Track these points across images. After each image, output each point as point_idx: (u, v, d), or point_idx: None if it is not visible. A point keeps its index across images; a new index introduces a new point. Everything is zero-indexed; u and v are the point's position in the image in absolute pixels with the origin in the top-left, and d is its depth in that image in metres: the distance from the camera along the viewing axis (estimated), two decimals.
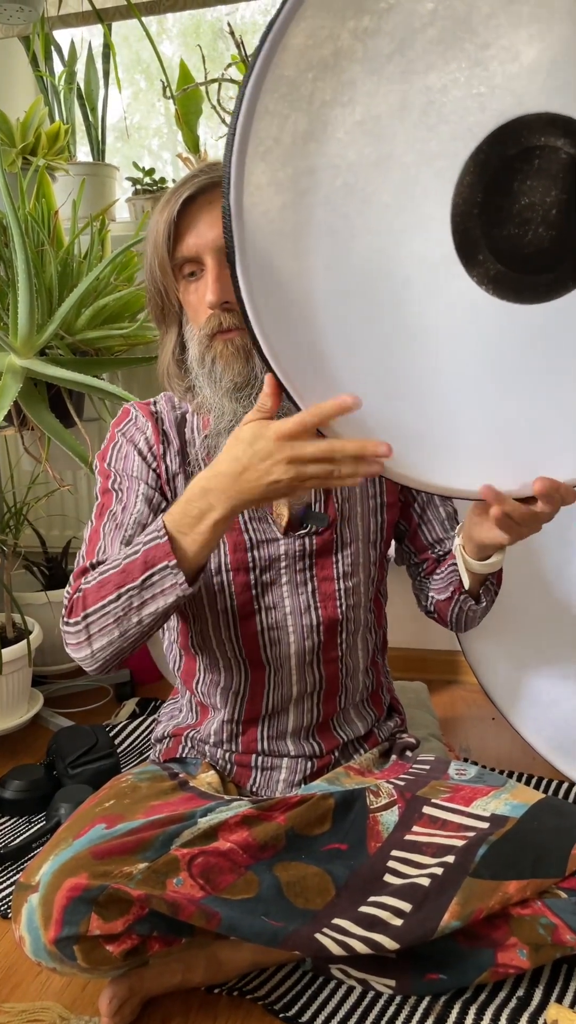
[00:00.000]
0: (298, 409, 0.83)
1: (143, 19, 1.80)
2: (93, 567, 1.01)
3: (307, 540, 1.10)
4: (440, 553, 1.19)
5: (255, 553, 1.09)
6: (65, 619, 1.00)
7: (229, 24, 1.93)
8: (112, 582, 0.95)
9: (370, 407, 0.83)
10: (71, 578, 1.02)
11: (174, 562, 0.91)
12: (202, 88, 1.97)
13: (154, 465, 1.09)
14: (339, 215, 0.81)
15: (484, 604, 1.14)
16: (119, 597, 0.94)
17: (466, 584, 1.10)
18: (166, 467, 1.10)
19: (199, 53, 2.00)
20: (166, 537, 0.92)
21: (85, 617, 0.97)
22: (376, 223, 0.81)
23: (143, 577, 0.93)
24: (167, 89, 1.87)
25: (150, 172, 2.02)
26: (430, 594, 1.19)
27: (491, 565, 1.05)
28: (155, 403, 1.14)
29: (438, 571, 1.18)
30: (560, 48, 0.77)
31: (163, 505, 1.08)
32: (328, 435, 0.84)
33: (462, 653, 1.54)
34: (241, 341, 1.00)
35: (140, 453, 1.10)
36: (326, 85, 0.76)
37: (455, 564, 1.11)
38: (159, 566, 0.92)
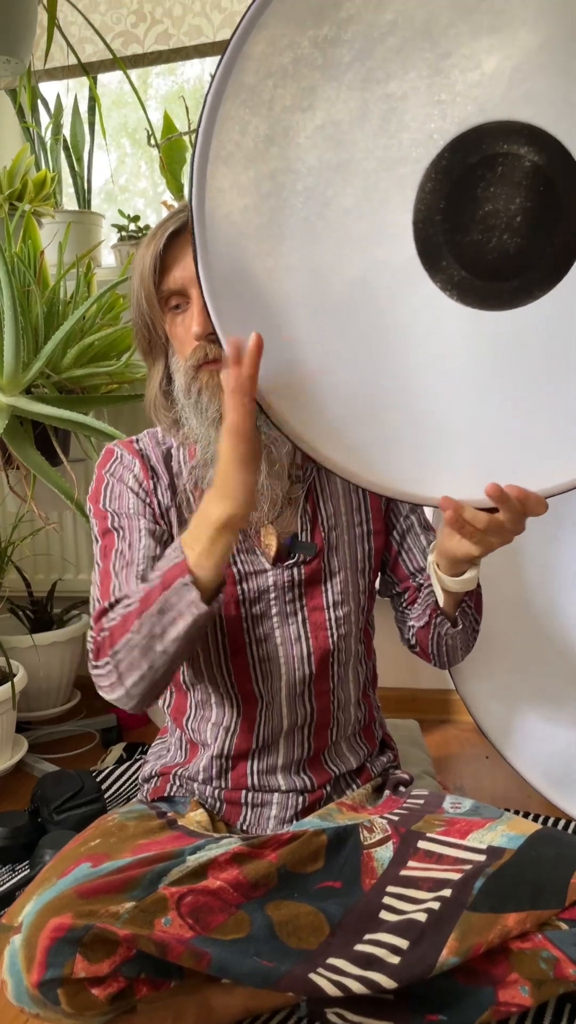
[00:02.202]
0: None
1: (127, 71, 1.85)
2: (112, 606, 0.99)
3: (295, 570, 1.09)
4: (421, 582, 1.18)
5: (244, 585, 1.08)
6: (94, 663, 0.99)
7: (211, 75, 1.98)
8: (134, 613, 0.94)
9: (338, 413, 0.84)
10: (91, 623, 1.01)
11: (189, 578, 0.90)
12: (186, 138, 2.02)
13: (147, 501, 1.09)
14: (300, 218, 0.82)
15: (461, 628, 1.11)
16: (141, 627, 0.93)
17: (440, 601, 1.08)
18: (158, 502, 1.09)
19: (183, 105, 2.05)
20: (182, 556, 0.92)
21: (114, 655, 0.95)
22: (337, 227, 0.82)
23: (161, 600, 0.92)
24: (151, 138, 1.91)
25: (135, 219, 2.05)
26: (410, 623, 1.18)
27: (465, 582, 1.04)
28: (138, 441, 1.14)
29: (419, 600, 1.17)
30: (522, 57, 0.78)
31: (165, 537, 1.08)
32: (275, 418, 0.87)
33: (455, 691, 1.52)
34: None
35: (132, 490, 1.09)
36: (286, 91, 0.78)
37: (431, 586, 1.10)
38: (175, 585, 0.91)
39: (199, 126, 0.79)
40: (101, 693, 1.00)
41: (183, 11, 1.90)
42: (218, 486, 0.90)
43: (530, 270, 0.84)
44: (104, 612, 0.99)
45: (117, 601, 0.99)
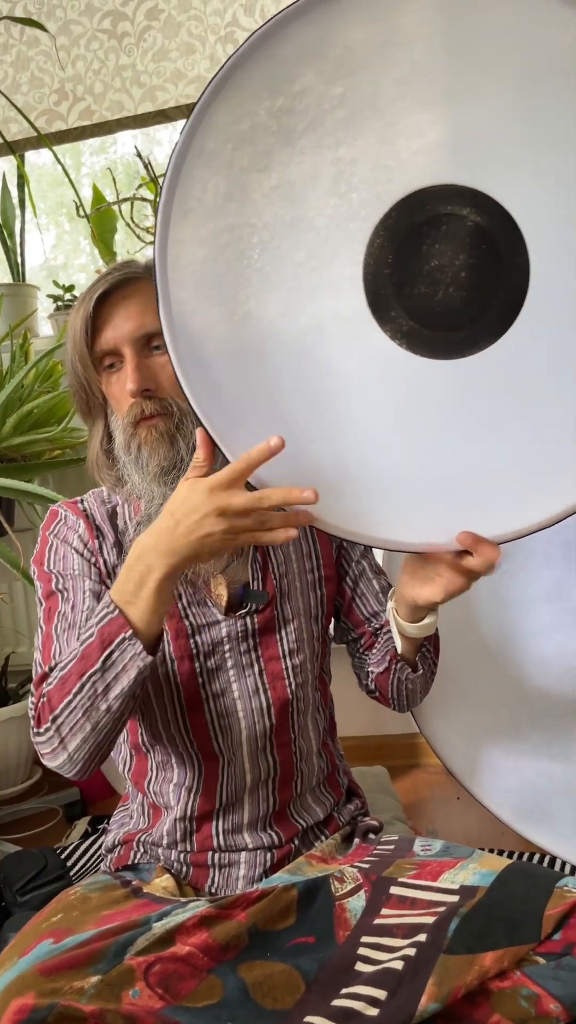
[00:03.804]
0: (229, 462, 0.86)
1: (52, 147, 1.89)
2: (51, 670, 0.97)
3: (248, 619, 1.08)
4: (376, 627, 1.18)
5: (197, 639, 1.07)
6: (35, 730, 0.96)
7: (136, 148, 2.04)
8: (73, 673, 0.92)
9: (293, 458, 0.86)
10: (32, 689, 0.99)
11: (130, 632, 0.90)
12: (115, 208, 2.06)
13: (93, 560, 1.08)
14: (255, 269, 0.87)
15: (421, 672, 1.11)
16: (82, 687, 0.91)
17: (399, 648, 1.08)
18: (104, 561, 1.08)
19: (110, 176, 2.10)
20: (117, 611, 0.91)
21: (54, 720, 0.93)
22: (291, 278, 0.87)
23: (103, 657, 0.91)
24: (79, 209, 1.95)
25: (70, 288, 2.08)
26: (368, 669, 1.18)
27: (425, 627, 1.04)
28: (82, 501, 1.14)
29: (376, 645, 1.17)
30: (462, 128, 0.85)
31: None
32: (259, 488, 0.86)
33: (420, 734, 1.51)
34: (164, 426, 1.03)
35: (77, 551, 1.08)
36: (244, 154, 0.84)
37: (390, 632, 1.11)
38: (116, 640, 0.90)
39: (164, 183, 0.85)
40: (44, 761, 0.97)
41: (104, 88, 1.96)
42: (166, 550, 0.88)
43: (476, 322, 0.89)
44: (44, 677, 0.97)
45: (56, 665, 0.97)
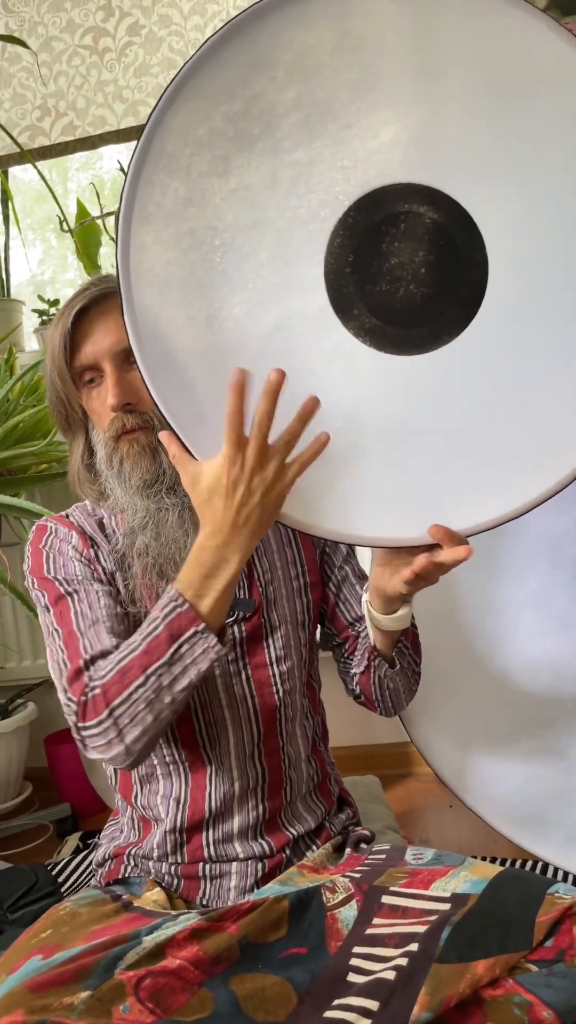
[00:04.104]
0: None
1: (35, 163, 1.90)
2: (91, 662, 0.97)
3: (236, 628, 1.08)
4: (360, 630, 1.18)
5: None
6: (81, 723, 0.96)
7: (119, 161, 2.05)
8: (135, 666, 0.92)
9: None
10: (65, 684, 0.98)
11: (203, 626, 0.90)
12: (99, 222, 2.07)
13: (92, 568, 1.08)
14: (218, 271, 0.88)
15: (399, 668, 1.12)
16: (147, 679, 0.92)
17: (374, 641, 1.09)
18: (103, 568, 1.08)
19: (95, 191, 2.11)
20: (187, 604, 0.91)
21: (111, 712, 0.93)
22: (254, 279, 0.89)
23: (172, 651, 0.91)
24: (63, 224, 1.96)
25: (54, 303, 2.08)
26: (352, 671, 1.18)
27: (399, 619, 1.05)
28: (69, 515, 1.14)
29: (358, 647, 1.17)
30: (417, 128, 0.86)
31: (120, 597, 1.07)
32: None
33: (411, 742, 1.51)
34: (146, 439, 1.03)
35: (75, 559, 1.08)
36: (202, 159, 0.85)
37: (367, 629, 1.11)
38: (187, 634, 0.91)
39: (124, 188, 0.86)
40: (91, 754, 0.97)
41: (86, 103, 1.97)
42: (239, 537, 0.90)
43: (438, 317, 0.90)
44: (80, 671, 0.97)
45: (99, 656, 0.97)
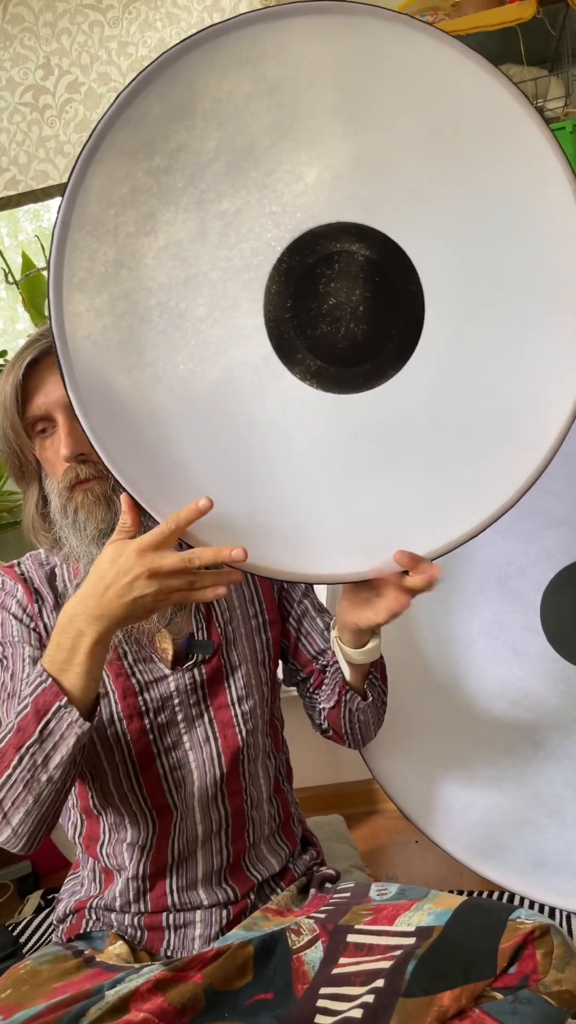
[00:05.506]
0: (157, 522, 0.86)
1: None
2: None
3: (196, 671, 1.08)
4: (324, 663, 1.19)
5: (146, 696, 1.06)
6: None
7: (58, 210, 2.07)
8: (11, 747, 0.90)
9: (221, 507, 0.87)
10: None
11: (65, 700, 0.89)
12: (45, 273, 2.09)
13: (32, 626, 1.07)
14: (157, 331, 0.87)
15: (371, 700, 1.13)
16: (21, 760, 0.90)
17: (347, 675, 1.09)
18: (44, 624, 1.07)
19: (39, 244, 2.13)
20: (50, 679, 0.89)
21: None
22: (194, 335, 0.88)
23: (40, 728, 0.89)
24: (8, 275, 1.97)
25: (3, 354, 2.08)
26: (320, 707, 1.18)
27: (370, 652, 1.05)
28: (19, 564, 1.13)
29: (324, 682, 1.17)
30: (339, 165, 0.87)
31: None
32: (192, 544, 0.86)
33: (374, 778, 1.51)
34: (100, 489, 1.03)
35: (16, 617, 1.07)
36: (128, 218, 0.84)
37: (337, 665, 1.11)
38: (52, 710, 0.89)
39: (50, 257, 0.83)
40: None
41: (28, 159, 2.00)
42: (98, 614, 0.88)
43: (380, 353, 0.92)
44: None
45: None
